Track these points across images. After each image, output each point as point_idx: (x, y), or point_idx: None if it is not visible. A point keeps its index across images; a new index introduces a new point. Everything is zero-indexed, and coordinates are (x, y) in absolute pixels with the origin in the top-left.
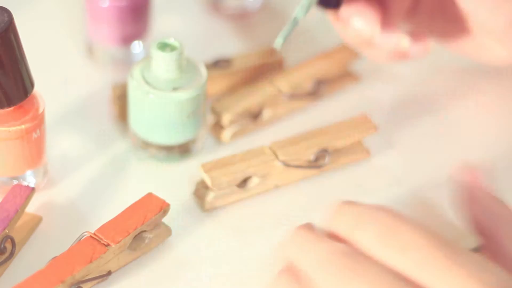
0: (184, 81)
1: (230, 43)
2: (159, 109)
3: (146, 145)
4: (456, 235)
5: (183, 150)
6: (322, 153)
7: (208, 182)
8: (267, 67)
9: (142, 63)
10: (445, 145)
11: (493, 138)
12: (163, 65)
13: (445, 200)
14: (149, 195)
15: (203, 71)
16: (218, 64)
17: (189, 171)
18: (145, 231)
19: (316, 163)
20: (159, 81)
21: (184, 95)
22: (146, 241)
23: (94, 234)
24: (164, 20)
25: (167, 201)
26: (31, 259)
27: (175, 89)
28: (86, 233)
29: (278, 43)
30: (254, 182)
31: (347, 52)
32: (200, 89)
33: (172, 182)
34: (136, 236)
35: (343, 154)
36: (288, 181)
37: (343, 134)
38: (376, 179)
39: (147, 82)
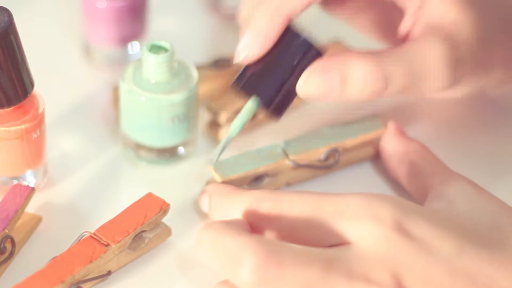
0: (175, 83)
1: (230, 43)
2: (150, 112)
3: (137, 147)
4: None
5: (174, 152)
6: (333, 153)
7: (218, 180)
8: None
9: (133, 65)
10: (447, 143)
11: (490, 134)
12: (153, 67)
13: None
14: (149, 195)
15: (195, 73)
16: (217, 64)
17: (190, 171)
18: (145, 231)
19: (327, 162)
20: (150, 84)
21: (175, 97)
22: (146, 241)
23: (94, 234)
24: (163, 20)
25: (167, 201)
26: (31, 259)
27: (166, 91)
28: (86, 233)
29: (211, 161)
30: (265, 181)
31: (339, 47)
32: (191, 92)
33: (172, 182)
34: (136, 236)
35: (353, 153)
36: (299, 179)
37: (354, 133)
38: (384, 177)
39: (137, 85)
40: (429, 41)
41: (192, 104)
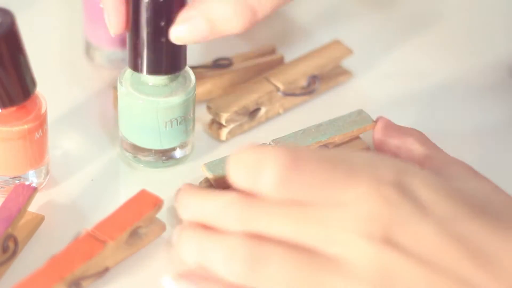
0: (172, 86)
1: (230, 43)
2: (147, 115)
3: (134, 149)
4: None
5: (172, 154)
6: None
7: (210, 178)
8: (267, 66)
9: None
10: (440, 139)
11: (489, 131)
12: None
13: None
14: (143, 192)
15: (192, 76)
16: (218, 63)
17: (187, 172)
18: (140, 227)
19: None
20: (148, 87)
21: (172, 100)
22: (142, 236)
23: (91, 231)
24: None
25: (164, 199)
26: (33, 258)
27: (163, 94)
28: (83, 230)
29: None
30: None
31: (340, 47)
32: (189, 94)
33: (170, 183)
34: (131, 232)
35: (342, 149)
36: None
37: (342, 129)
38: None
39: (135, 88)
40: None
41: (189, 107)
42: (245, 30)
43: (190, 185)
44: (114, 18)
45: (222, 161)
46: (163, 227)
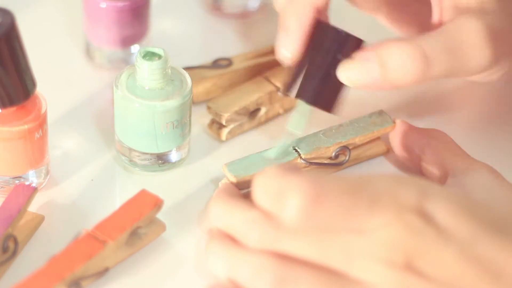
0: (169, 90)
1: (230, 43)
2: (144, 118)
3: (130, 152)
4: None
5: (168, 158)
6: (343, 150)
7: (233, 180)
8: (267, 66)
9: (126, 71)
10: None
11: (495, 136)
12: (147, 74)
13: None
14: (143, 192)
15: (188, 79)
16: (218, 63)
17: (184, 175)
18: (140, 227)
19: (337, 160)
20: (144, 90)
21: (169, 104)
22: (142, 236)
23: (91, 231)
24: (163, 20)
25: (165, 198)
26: (33, 258)
27: (160, 98)
28: (83, 230)
29: (274, 161)
30: None
31: None
32: (185, 98)
33: (167, 185)
34: (131, 232)
35: (363, 149)
36: None
37: (363, 130)
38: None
39: (131, 91)
40: (464, 19)
41: (186, 110)
42: (415, 82)
43: (224, 191)
44: (296, 41)
45: (242, 161)
46: (163, 227)
